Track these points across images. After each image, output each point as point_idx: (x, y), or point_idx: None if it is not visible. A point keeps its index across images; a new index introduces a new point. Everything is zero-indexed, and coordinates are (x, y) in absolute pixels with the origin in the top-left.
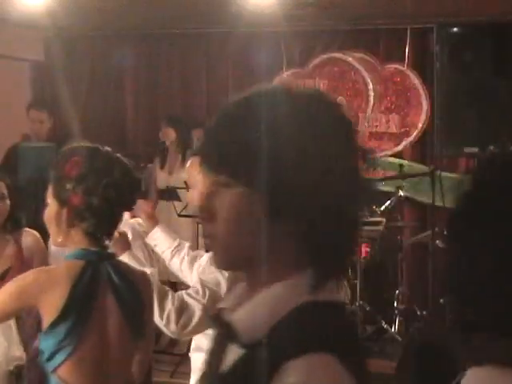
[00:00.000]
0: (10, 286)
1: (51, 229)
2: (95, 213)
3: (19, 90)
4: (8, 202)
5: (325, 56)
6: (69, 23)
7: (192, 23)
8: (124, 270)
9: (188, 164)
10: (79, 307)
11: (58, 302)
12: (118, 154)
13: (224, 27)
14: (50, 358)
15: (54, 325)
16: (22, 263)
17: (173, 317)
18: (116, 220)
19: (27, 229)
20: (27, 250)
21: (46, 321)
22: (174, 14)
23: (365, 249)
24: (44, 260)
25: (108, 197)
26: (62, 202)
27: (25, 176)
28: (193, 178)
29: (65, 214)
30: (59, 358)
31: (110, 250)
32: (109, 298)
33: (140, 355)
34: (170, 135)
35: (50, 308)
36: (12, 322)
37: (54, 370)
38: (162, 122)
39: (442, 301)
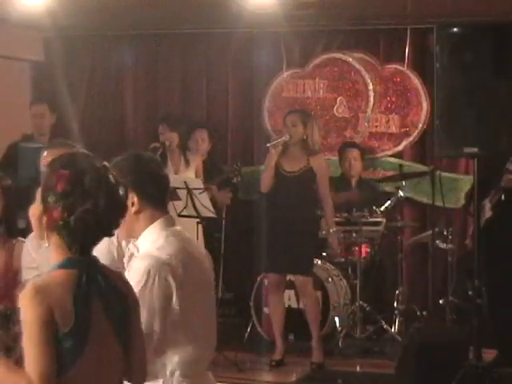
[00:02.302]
0: (30, 320)
1: (34, 225)
2: (70, 232)
3: (19, 90)
4: None
5: (325, 56)
6: (69, 23)
7: (192, 23)
8: (108, 274)
9: None
10: (81, 318)
11: (64, 315)
12: (109, 173)
13: (224, 27)
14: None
15: (64, 338)
16: (10, 273)
17: None
18: (92, 241)
19: (20, 238)
20: (17, 261)
21: (61, 331)
22: (174, 14)
23: (365, 249)
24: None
25: (86, 221)
26: (45, 208)
27: (25, 176)
28: None
29: (45, 221)
30: (65, 368)
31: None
32: (97, 304)
33: (132, 360)
34: (173, 139)
35: (62, 321)
36: None
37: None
38: (163, 125)
39: (441, 301)
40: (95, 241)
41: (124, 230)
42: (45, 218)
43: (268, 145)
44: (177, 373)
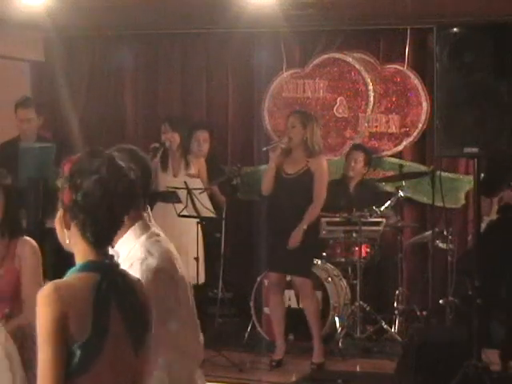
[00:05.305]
0: (43, 317)
1: (58, 232)
2: (82, 210)
3: (19, 90)
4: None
5: (325, 56)
6: (69, 23)
7: (192, 23)
8: (128, 281)
9: None
10: (99, 325)
11: (82, 321)
12: (120, 159)
13: (224, 27)
14: (71, 372)
15: (83, 345)
16: (12, 273)
17: None
18: (110, 222)
19: (26, 237)
20: (19, 260)
21: (76, 339)
22: (174, 14)
23: (365, 249)
24: (35, 272)
25: (94, 193)
26: (60, 202)
27: (25, 176)
28: None
29: (61, 215)
30: (81, 370)
31: (115, 260)
32: (116, 310)
33: (140, 367)
34: (174, 139)
35: (78, 327)
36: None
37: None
38: (165, 125)
39: (441, 301)
40: (108, 225)
41: None
42: (61, 212)
43: (264, 149)
44: None
